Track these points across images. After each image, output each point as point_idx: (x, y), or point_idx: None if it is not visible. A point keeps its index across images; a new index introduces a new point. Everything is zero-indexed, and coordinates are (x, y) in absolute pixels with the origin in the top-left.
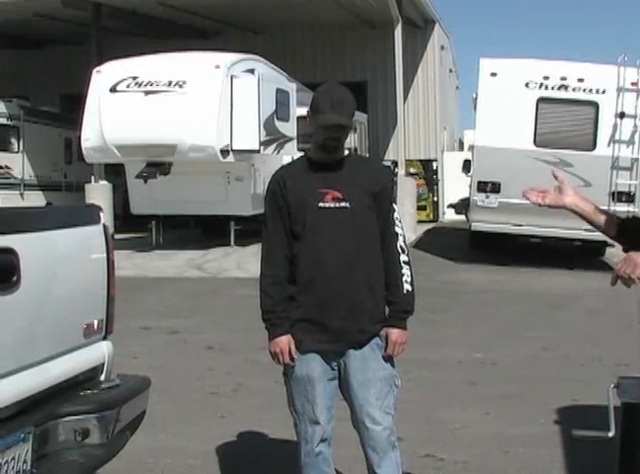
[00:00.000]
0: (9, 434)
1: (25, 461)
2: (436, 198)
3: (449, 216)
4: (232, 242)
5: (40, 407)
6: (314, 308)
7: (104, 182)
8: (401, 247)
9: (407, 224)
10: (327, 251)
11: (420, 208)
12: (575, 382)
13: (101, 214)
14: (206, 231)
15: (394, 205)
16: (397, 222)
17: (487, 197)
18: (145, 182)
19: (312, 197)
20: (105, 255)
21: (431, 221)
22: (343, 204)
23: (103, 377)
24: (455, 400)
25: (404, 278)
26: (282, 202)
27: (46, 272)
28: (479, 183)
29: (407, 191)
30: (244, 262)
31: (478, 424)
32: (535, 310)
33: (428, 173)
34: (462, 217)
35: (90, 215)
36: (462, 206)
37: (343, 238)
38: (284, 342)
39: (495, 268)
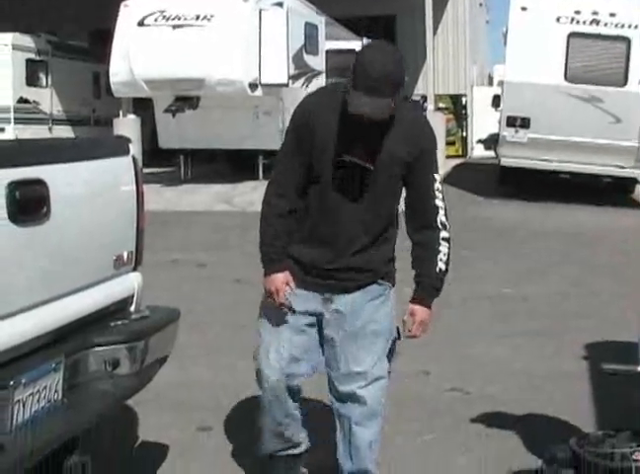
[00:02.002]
0: (41, 364)
1: (56, 391)
2: (465, 134)
3: (478, 152)
4: (260, 176)
5: (71, 337)
6: (311, 253)
7: (132, 116)
8: (442, 222)
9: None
10: (339, 209)
11: (449, 144)
12: (604, 319)
13: (130, 146)
14: (235, 165)
15: (435, 175)
16: (438, 194)
17: (516, 132)
18: (173, 116)
19: (338, 144)
20: (134, 186)
21: (459, 156)
22: (367, 165)
23: (132, 308)
24: (484, 335)
25: (439, 256)
26: (308, 137)
27: (76, 203)
28: (508, 118)
29: (436, 125)
30: None
31: (506, 359)
32: (565, 246)
33: (457, 108)
34: (491, 153)
35: (119, 147)
36: (491, 142)
37: (357, 199)
38: (281, 280)
39: (524, 203)
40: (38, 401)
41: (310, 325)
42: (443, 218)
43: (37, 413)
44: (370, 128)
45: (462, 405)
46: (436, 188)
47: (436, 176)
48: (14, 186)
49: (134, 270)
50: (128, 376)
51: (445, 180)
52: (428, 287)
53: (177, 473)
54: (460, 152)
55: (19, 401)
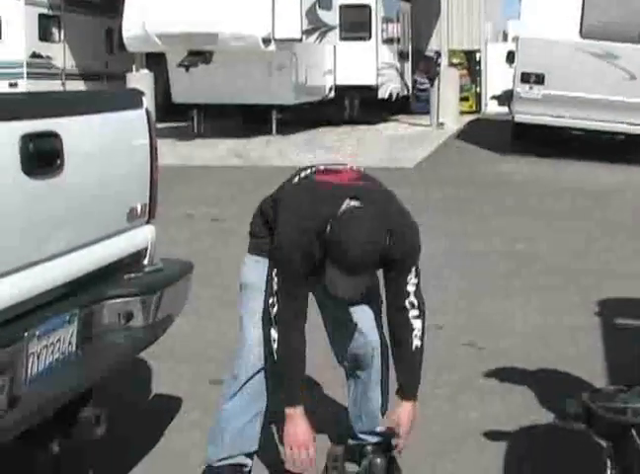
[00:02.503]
0: (55, 317)
1: (70, 343)
2: (478, 90)
3: (492, 108)
4: (274, 131)
5: (85, 290)
6: None
7: (145, 71)
8: (410, 303)
9: (450, 115)
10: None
11: (462, 99)
12: (618, 275)
13: (143, 98)
14: (248, 120)
15: (412, 269)
16: (412, 281)
17: (530, 88)
18: (187, 70)
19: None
20: (147, 139)
21: (473, 112)
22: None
23: (146, 261)
24: (497, 290)
25: (414, 333)
26: (304, 264)
27: (90, 155)
28: (523, 74)
29: (450, 81)
30: (285, 151)
31: (519, 314)
32: (578, 203)
33: (471, 64)
34: (505, 109)
35: (132, 100)
36: (505, 98)
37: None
38: (307, 432)
39: (538, 160)
40: (52, 353)
41: None
42: (413, 298)
43: (51, 365)
44: None
45: (475, 360)
46: (409, 279)
47: (412, 269)
48: (27, 138)
49: (148, 222)
50: (142, 329)
51: (459, 136)
52: (410, 387)
53: (190, 426)
54: (474, 108)
55: (33, 353)
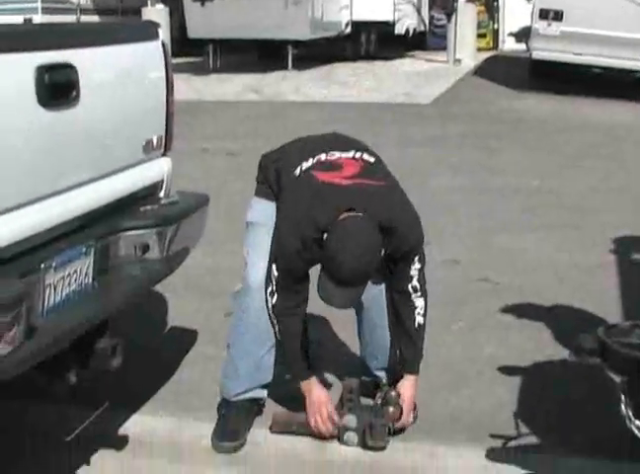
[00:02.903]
0: (71, 248)
1: (86, 274)
2: (496, 26)
3: (510, 45)
4: (289, 66)
5: (102, 222)
6: None
7: (160, 5)
8: (413, 287)
9: (467, 52)
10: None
11: (480, 36)
12: (634, 213)
13: (159, 31)
14: (263, 55)
15: (415, 261)
16: (416, 266)
17: (549, 24)
18: (202, 4)
19: None
20: (163, 71)
21: (491, 49)
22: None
23: (162, 194)
24: (512, 227)
25: (416, 311)
26: (301, 269)
27: (105, 87)
28: (541, 10)
29: (467, 18)
30: (301, 86)
31: (535, 250)
32: (595, 141)
33: (489, 0)
34: (523, 46)
35: (148, 32)
36: (523, 35)
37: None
38: (323, 395)
39: (555, 97)
40: (68, 284)
41: None
42: (416, 283)
43: (67, 296)
44: None
45: (491, 295)
46: (413, 266)
47: (415, 259)
48: (43, 69)
49: (164, 155)
50: (157, 261)
51: (476, 72)
52: (413, 362)
53: (205, 359)
54: (491, 45)
55: (50, 284)
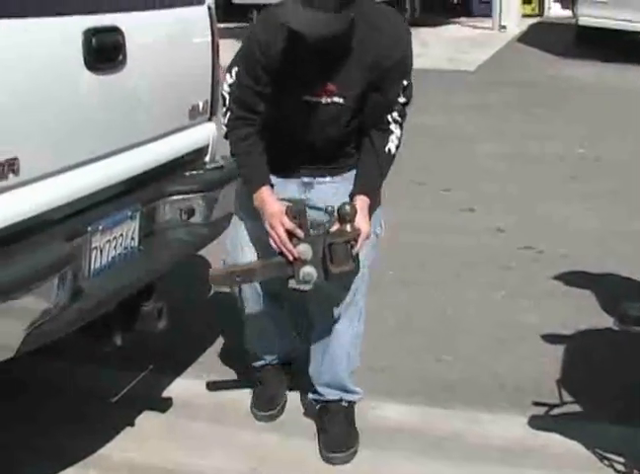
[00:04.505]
0: (118, 212)
1: (132, 238)
2: None
3: (555, 11)
4: None
5: (148, 186)
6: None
7: None
8: (394, 119)
9: (512, 18)
10: (302, 140)
11: (525, 2)
12: None
13: None
14: None
15: (404, 82)
16: (400, 99)
17: None
18: None
19: (299, 84)
20: (210, 36)
21: (536, 16)
22: (335, 99)
23: (207, 159)
24: (557, 194)
25: (390, 138)
26: (262, 74)
27: (152, 51)
28: None
29: None
30: None
31: (579, 218)
32: None
33: None
34: (568, 12)
35: None
36: (570, 0)
37: (325, 132)
38: (276, 204)
39: (601, 64)
40: (114, 248)
41: None
42: (397, 116)
43: (113, 259)
44: (333, 53)
45: (535, 263)
46: (397, 96)
47: (404, 82)
48: (90, 33)
49: (209, 120)
50: (202, 226)
51: (521, 39)
52: (369, 184)
53: None
54: (537, 11)
55: (96, 247)
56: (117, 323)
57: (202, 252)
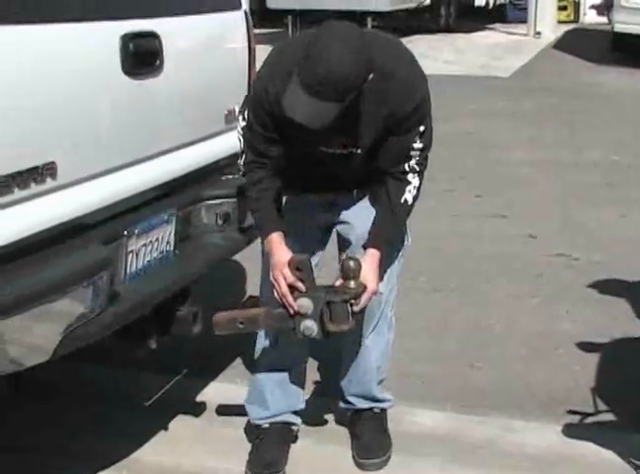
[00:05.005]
0: (154, 216)
1: (168, 242)
2: None
3: (591, 18)
4: None
5: (184, 190)
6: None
7: None
8: (410, 167)
9: (547, 25)
10: (320, 175)
11: (560, 9)
12: None
13: (242, 0)
14: None
15: (420, 128)
16: (415, 147)
17: None
18: None
19: (312, 138)
20: (246, 41)
21: (571, 22)
22: (351, 150)
23: None
24: (591, 201)
25: (408, 187)
26: (270, 122)
27: (188, 56)
28: None
29: None
30: None
31: (614, 225)
32: None
33: None
34: (604, 19)
35: (231, 1)
36: (605, 7)
37: (343, 170)
38: (283, 260)
39: (637, 71)
40: (150, 252)
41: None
42: (414, 164)
43: (149, 263)
44: (346, 115)
45: (568, 270)
46: (414, 141)
47: (420, 128)
48: (127, 38)
49: None
50: (237, 231)
51: (556, 45)
52: (382, 236)
53: None
54: (572, 17)
55: (132, 251)
56: (152, 327)
57: (237, 257)
